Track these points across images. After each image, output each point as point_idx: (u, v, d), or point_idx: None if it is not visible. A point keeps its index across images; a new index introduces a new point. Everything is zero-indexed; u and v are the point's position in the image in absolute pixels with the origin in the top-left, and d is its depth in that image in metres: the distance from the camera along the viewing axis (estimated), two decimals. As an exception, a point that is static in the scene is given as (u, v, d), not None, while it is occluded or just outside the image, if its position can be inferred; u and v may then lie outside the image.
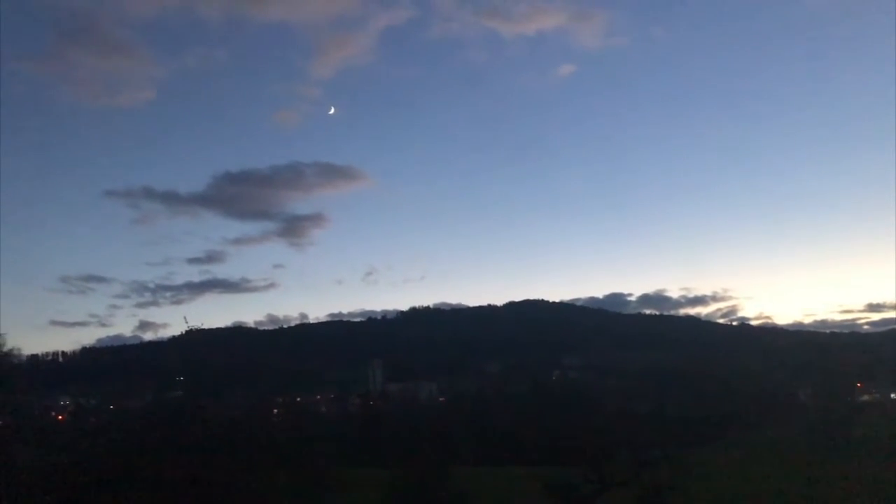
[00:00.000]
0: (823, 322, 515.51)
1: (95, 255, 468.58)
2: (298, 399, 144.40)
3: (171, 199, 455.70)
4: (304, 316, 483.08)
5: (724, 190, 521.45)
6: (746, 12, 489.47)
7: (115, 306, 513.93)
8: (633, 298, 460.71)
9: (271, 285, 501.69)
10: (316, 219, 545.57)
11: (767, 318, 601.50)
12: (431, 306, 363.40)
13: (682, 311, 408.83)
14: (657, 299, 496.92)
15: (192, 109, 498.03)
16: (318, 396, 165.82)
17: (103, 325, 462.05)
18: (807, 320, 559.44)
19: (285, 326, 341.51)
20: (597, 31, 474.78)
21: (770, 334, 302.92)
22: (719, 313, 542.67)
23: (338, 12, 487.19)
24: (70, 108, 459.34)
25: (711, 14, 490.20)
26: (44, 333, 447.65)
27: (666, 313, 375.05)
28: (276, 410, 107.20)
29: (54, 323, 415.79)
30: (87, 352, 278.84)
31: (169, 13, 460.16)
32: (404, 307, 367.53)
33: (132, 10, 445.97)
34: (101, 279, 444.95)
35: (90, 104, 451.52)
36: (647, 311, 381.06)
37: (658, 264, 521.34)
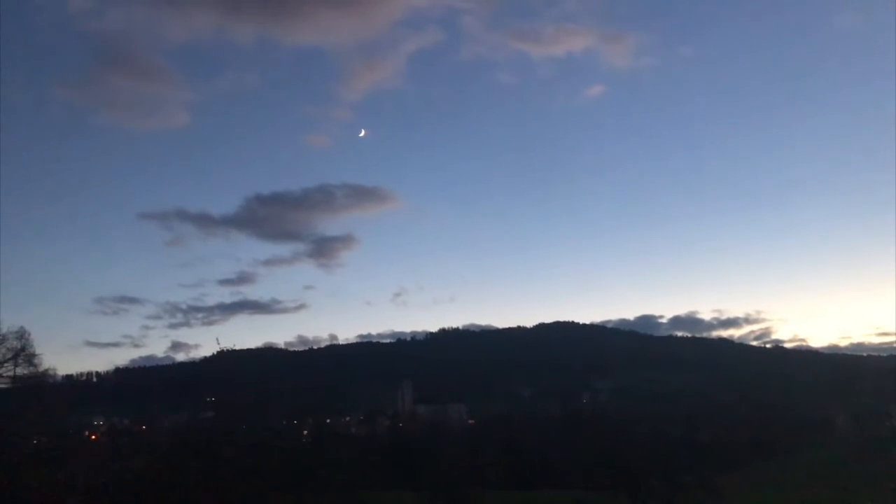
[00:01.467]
0: (860, 345, 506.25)
1: (129, 277, 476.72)
2: (328, 420, 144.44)
3: (204, 221, 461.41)
4: (333, 337, 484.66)
5: (756, 211, 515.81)
6: (776, 34, 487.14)
7: (148, 327, 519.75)
8: (664, 321, 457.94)
9: (301, 306, 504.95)
10: (346, 240, 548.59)
11: (802, 340, 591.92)
12: (461, 328, 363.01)
13: (715, 334, 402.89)
14: (689, 321, 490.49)
15: (225, 133, 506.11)
16: (348, 418, 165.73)
17: (136, 345, 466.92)
18: (843, 343, 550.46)
19: (315, 347, 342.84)
20: (626, 52, 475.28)
21: (805, 357, 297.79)
22: (752, 335, 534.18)
23: (368, 36, 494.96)
24: (106, 132, 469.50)
25: (740, 34, 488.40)
26: (78, 354, 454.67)
27: (698, 335, 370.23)
28: (305, 432, 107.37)
29: (89, 343, 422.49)
30: (120, 372, 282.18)
31: (202, 39, 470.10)
32: (434, 329, 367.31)
33: (167, 37, 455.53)
34: (134, 300, 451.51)
35: (126, 128, 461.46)
36: (679, 334, 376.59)
37: (690, 286, 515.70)
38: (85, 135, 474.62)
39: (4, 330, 50.44)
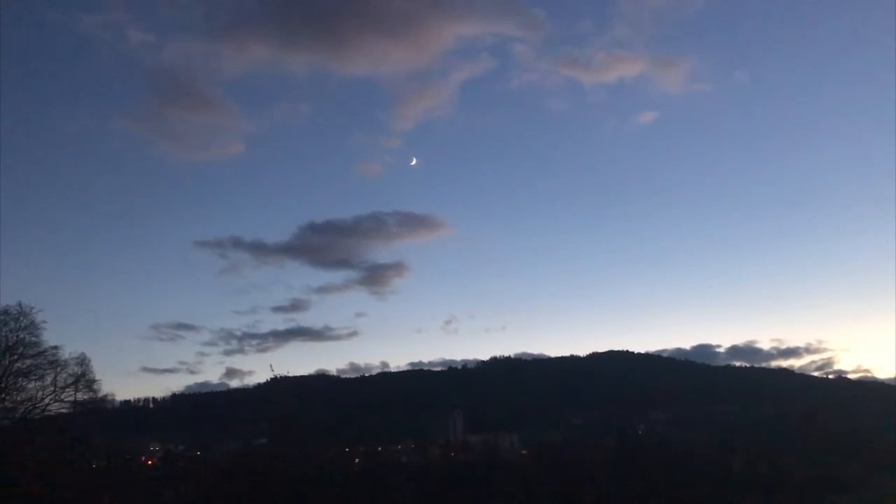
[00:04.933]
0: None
1: (185, 304, 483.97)
2: (379, 448, 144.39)
3: (258, 249, 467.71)
4: (385, 364, 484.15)
5: (816, 236, 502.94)
6: (838, 57, 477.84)
7: (203, 353, 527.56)
8: (721, 350, 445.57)
9: (353, 333, 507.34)
10: (397, 267, 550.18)
11: (867, 371, 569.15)
12: (513, 356, 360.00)
13: (774, 364, 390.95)
14: (747, 351, 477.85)
15: (279, 162, 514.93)
16: (399, 446, 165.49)
17: (192, 372, 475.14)
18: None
19: (367, 375, 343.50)
20: (679, 78, 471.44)
21: (870, 388, 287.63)
22: (814, 366, 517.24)
23: (418, 65, 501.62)
24: (164, 163, 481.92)
25: (799, 58, 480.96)
26: (136, 380, 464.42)
27: (757, 365, 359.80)
28: (357, 460, 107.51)
29: (146, 370, 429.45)
30: (176, 398, 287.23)
31: (257, 70, 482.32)
32: (485, 357, 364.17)
33: (223, 69, 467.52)
34: (190, 327, 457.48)
35: (183, 159, 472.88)
36: (737, 363, 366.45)
37: (748, 314, 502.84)
38: (143, 165, 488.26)
39: (66, 356, 52.00)
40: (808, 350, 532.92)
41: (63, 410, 51.55)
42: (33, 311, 50.26)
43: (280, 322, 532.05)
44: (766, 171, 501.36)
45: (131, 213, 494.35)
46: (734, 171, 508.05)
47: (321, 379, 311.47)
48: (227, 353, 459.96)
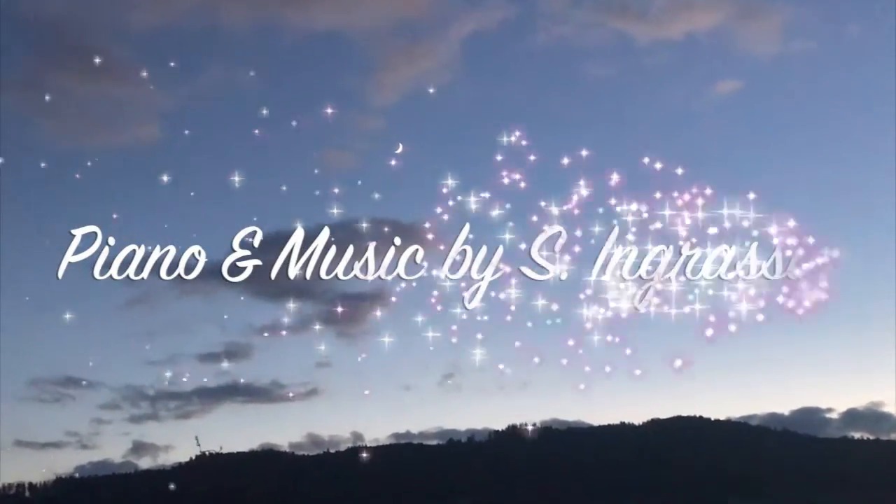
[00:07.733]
0: None
1: (76, 351, 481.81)
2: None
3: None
4: (357, 436, 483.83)
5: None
6: None
7: (100, 420, 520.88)
8: (834, 415, 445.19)
9: (313, 392, 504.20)
10: (375, 297, 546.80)
11: None
12: (539, 424, 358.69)
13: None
14: (870, 417, 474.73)
15: (209, 150, 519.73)
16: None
17: (84, 446, 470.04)
18: None
19: (332, 451, 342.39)
20: (770, 34, 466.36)
21: None
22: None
23: (407, 15, 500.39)
24: (44, 150, 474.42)
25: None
26: (6, 457, 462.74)
27: (884, 438, 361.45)
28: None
29: (19, 443, 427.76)
30: (62, 483, 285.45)
31: (181, 24, 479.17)
32: (500, 425, 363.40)
33: (132, 22, 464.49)
34: (82, 383, 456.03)
35: (70, 145, 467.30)
36: (857, 435, 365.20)
37: (870, 366, 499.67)
38: (17, 153, 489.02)
39: None
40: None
41: None
42: None
43: (210, 376, 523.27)
44: (888, 159, 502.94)
45: (3, 219, 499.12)
46: (845, 157, 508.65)
47: (267, 456, 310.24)
48: (135, 419, 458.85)
